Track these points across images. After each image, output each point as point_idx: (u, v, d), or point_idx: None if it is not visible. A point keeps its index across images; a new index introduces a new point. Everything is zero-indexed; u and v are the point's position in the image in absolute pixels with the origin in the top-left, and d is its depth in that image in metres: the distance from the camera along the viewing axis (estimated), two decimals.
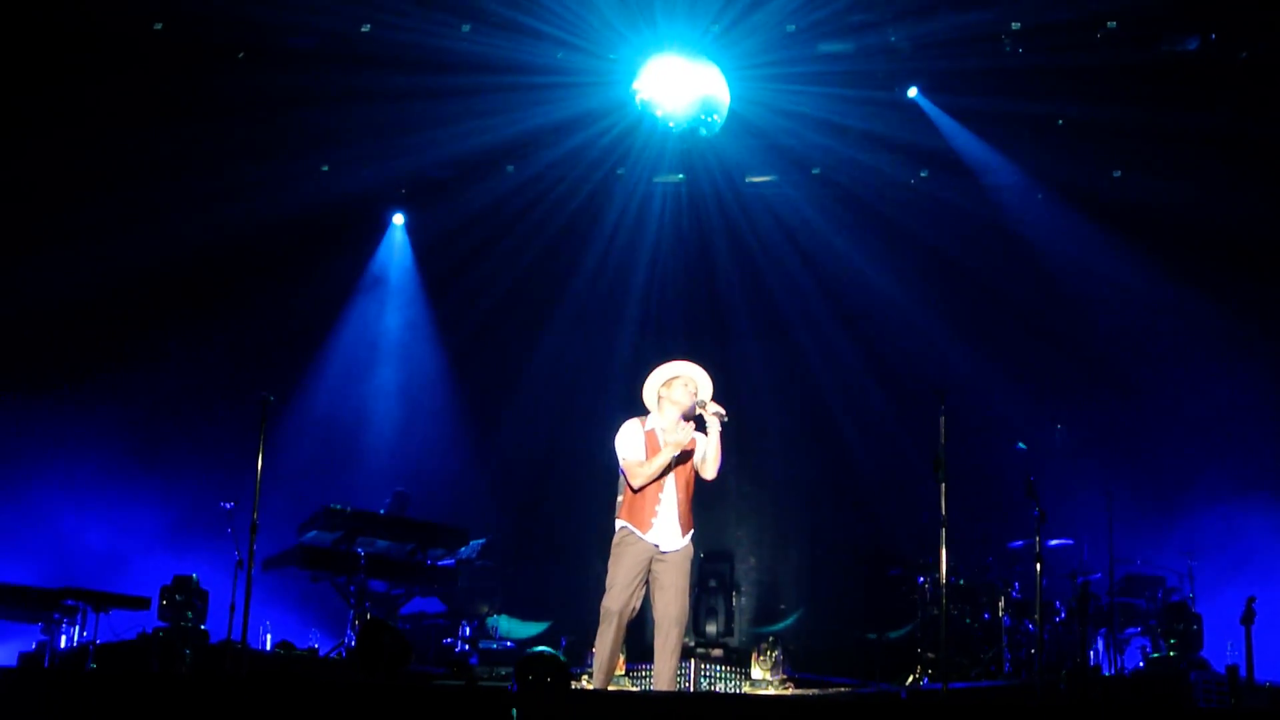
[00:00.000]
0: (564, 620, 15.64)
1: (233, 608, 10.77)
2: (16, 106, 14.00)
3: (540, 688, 6.92)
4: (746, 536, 16.88)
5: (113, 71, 13.91)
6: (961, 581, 13.97)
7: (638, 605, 9.59)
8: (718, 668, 13.18)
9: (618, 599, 9.48)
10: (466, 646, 14.38)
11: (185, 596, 12.58)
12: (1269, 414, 15.21)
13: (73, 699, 7.74)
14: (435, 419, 17.01)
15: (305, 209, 15.59)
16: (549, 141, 15.59)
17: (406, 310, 17.20)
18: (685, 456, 9.65)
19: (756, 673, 13.32)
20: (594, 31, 14.05)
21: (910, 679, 13.59)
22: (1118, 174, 15.41)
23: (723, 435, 9.59)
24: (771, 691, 12.94)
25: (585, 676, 12.13)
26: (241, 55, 14.13)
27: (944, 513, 10.04)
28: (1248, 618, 11.34)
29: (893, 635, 15.01)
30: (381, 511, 14.51)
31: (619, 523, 9.63)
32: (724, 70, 14.40)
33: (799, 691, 12.76)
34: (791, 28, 13.99)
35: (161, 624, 12.57)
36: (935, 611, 13.50)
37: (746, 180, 16.31)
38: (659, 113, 14.62)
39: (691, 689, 12.68)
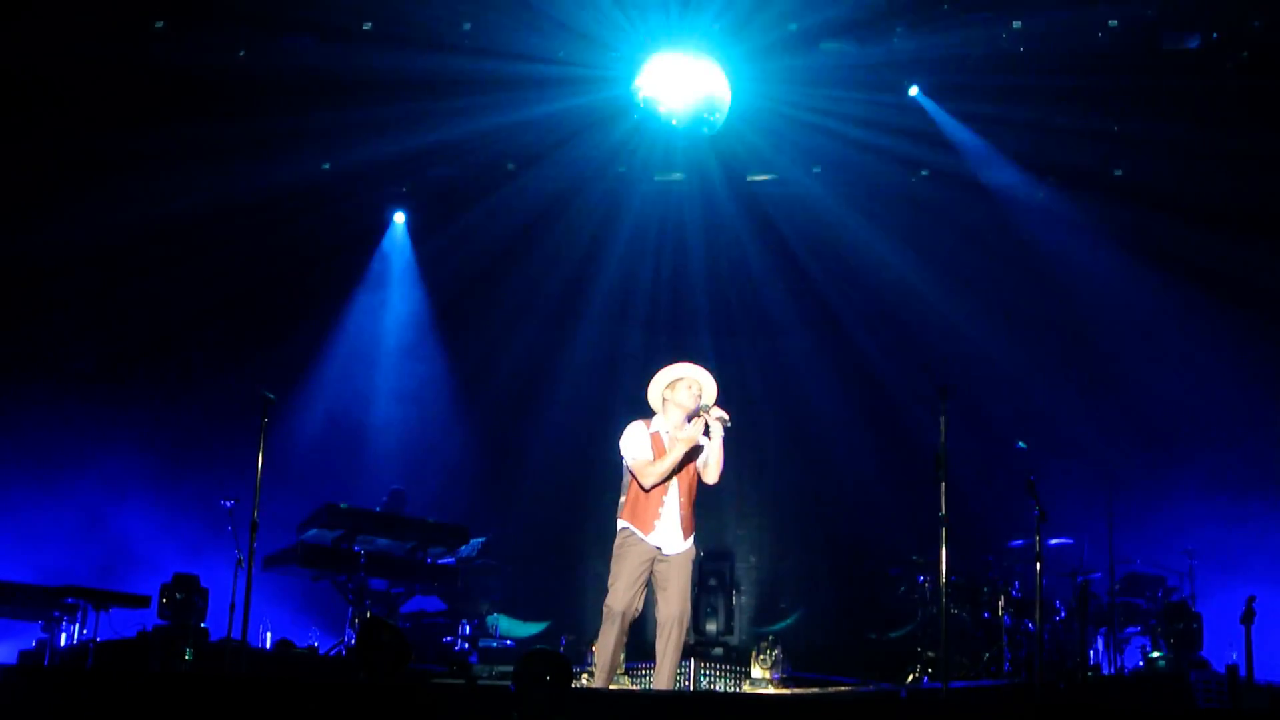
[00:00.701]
0: (563, 620, 15.65)
1: (233, 606, 10.75)
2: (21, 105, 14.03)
3: (540, 686, 6.92)
4: (747, 535, 16.89)
5: (115, 66, 13.90)
6: (962, 580, 13.95)
7: (640, 606, 9.61)
8: (718, 666, 13.18)
9: (620, 599, 9.49)
10: (466, 645, 14.38)
11: (185, 595, 12.55)
12: (1271, 413, 15.20)
13: (73, 697, 7.75)
14: (435, 417, 17.01)
15: (306, 207, 15.59)
16: (550, 139, 15.57)
17: (407, 308, 17.19)
18: (689, 459, 9.65)
19: (756, 672, 13.32)
20: (595, 29, 14.03)
21: (910, 678, 13.59)
22: (1119, 172, 15.41)
23: (725, 436, 9.60)
24: (771, 690, 12.93)
25: (585, 675, 12.13)
26: (242, 54, 14.12)
27: (944, 511, 10.04)
28: (1248, 617, 11.34)
29: (893, 635, 15.01)
30: (378, 509, 14.50)
31: (621, 523, 9.64)
32: (726, 68, 14.39)
33: (799, 690, 12.76)
34: (793, 26, 13.99)
35: (161, 622, 12.55)
36: (935, 610, 13.50)
37: (747, 179, 16.31)
38: (660, 110, 14.62)
39: (691, 688, 12.68)
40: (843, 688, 13.14)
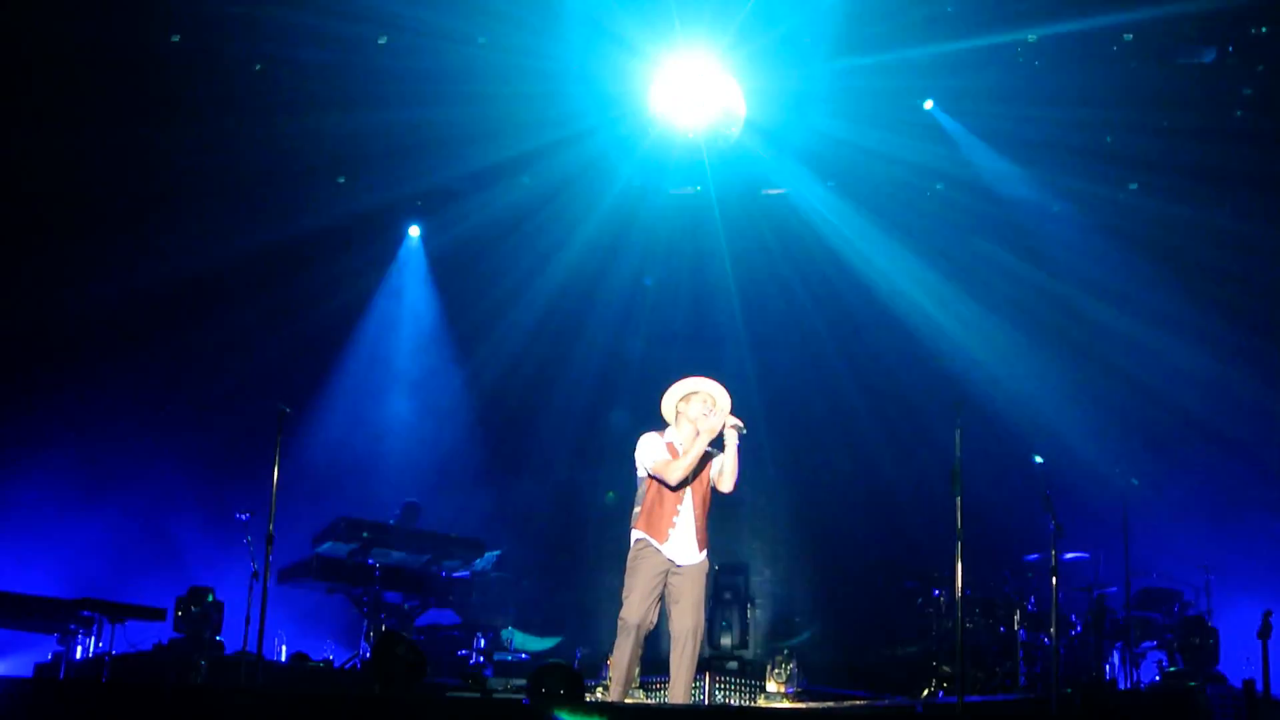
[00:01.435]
0: (578, 633, 15.64)
1: (248, 619, 10.78)
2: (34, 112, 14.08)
3: (553, 699, 6.91)
4: (762, 549, 16.86)
5: (130, 79, 13.95)
6: (977, 595, 13.92)
7: (654, 619, 9.58)
8: (732, 680, 13.16)
9: (635, 610, 9.48)
10: (481, 658, 14.38)
11: (200, 608, 12.59)
12: None
13: (88, 710, 7.75)
14: (450, 430, 17.03)
15: (321, 221, 15.63)
16: (564, 152, 15.56)
17: (422, 322, 17.22)
18: (703, 468, 9.65)
19: (771, 686, 13.31)
20: (611, 42, 14.05)
21: (926, 692, 13.55)
22: (1134, 186, 15.38)
23: (739, 447, 9.61)
24: (786, 705, 12.91)
25: (601, 688, 12.13)
26: (259, 68, 14.17)
27: (960, 525, 10.02)
28: (1265, 632, 11.29)
29: (909, 649, 14.95)
30: (391, 523, 14.52)
31: (635, 534, 9.63)
32: (741, 82, 14.40)
33: (814, 705, 12.73)
34: (808, 40, 14.00)
35: (177, 635, 12.58)
36: (950, 625, 13.47)
37: (762, 192, 16.31)
38: (676, 124, 14.64)
39: (706, 702, 12.67)
40: (858, 702, 13.12)
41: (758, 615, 16.02)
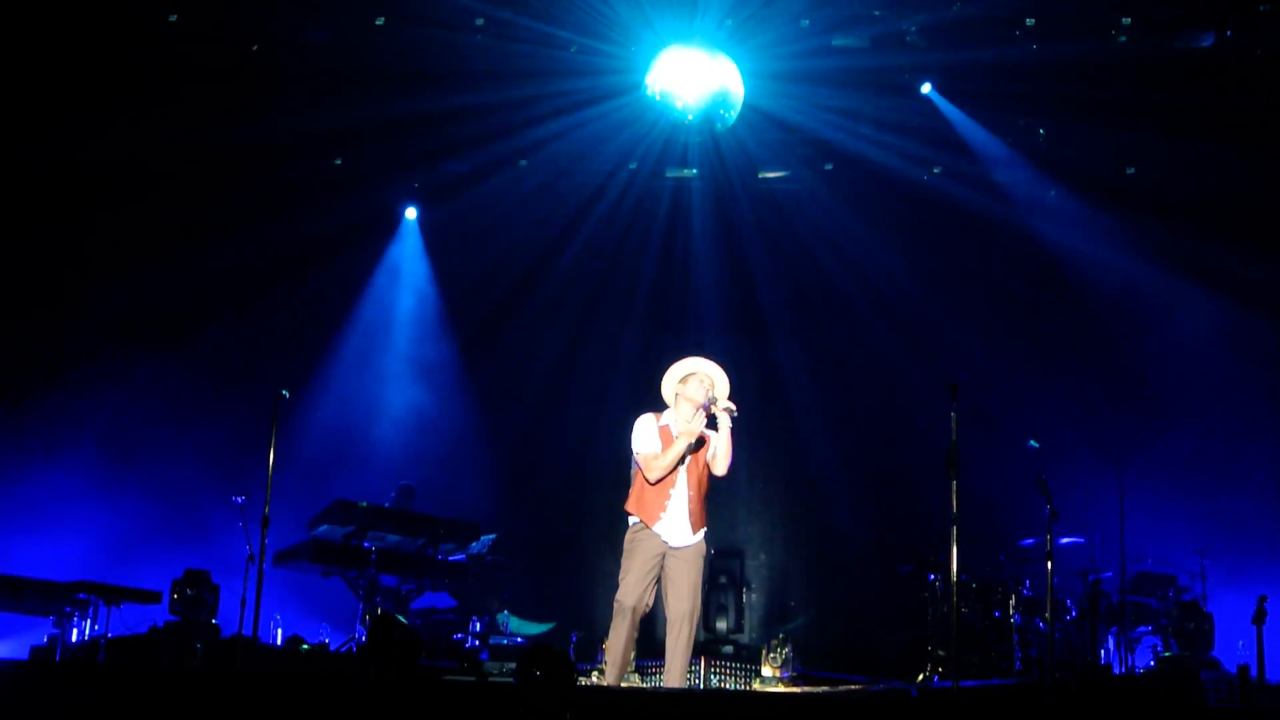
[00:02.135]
0: (574, 616, 15.64)
1: (244, 602, 10.77)
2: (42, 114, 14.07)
3: (540, 682, 6.89)
4: (757, 533, 16.86)
5: (127, 64, 13.91)
6: (972, 579, 13.92)
7: (650, 601, 9.57)
8: (728, 664, 13.17)
9: (631, 593, 9.47)
10: (477, 642, 14.38)
11: (196, 591, 12.59)
12: None
13: (84, 693, 7.74)
14: (447, 414, 17.01)
15: (318, 203, 15.59)
16: (562, 135, 15.55)
17: (419, 305, 17.20)
18: (698, 450, 9.65)
19: (766, 670, 13.32)
20: (608, 25, 14.02)
21: (921, 677, 13.57)
22: (1131, 170, 15.38)
23: (734, 431, 9.60)
24: (781, 689, 12.92)
25: (596, 672, 12.13)
26: (255, 48, 14.12)
27: (955, 510, 10.01)
28: (1259, 617, 11.32)
29: (904, 634, 14.96)
30: (387, 505, 14.51)
31: (630, 517, 9.64)
32: (738, 65, 14.37)
33: (809, 689, 12.75)
34: (805, 22, 13.97)
35: (173, 618, 12.58)
36: (946, 609, 13.49)
37: (759, 175, 16.29)
38: (676, 106, 14.61)
39: (702, 686, 12.68)
40: (853, 686, 13.13)
41: (753, 599, 16.05)
